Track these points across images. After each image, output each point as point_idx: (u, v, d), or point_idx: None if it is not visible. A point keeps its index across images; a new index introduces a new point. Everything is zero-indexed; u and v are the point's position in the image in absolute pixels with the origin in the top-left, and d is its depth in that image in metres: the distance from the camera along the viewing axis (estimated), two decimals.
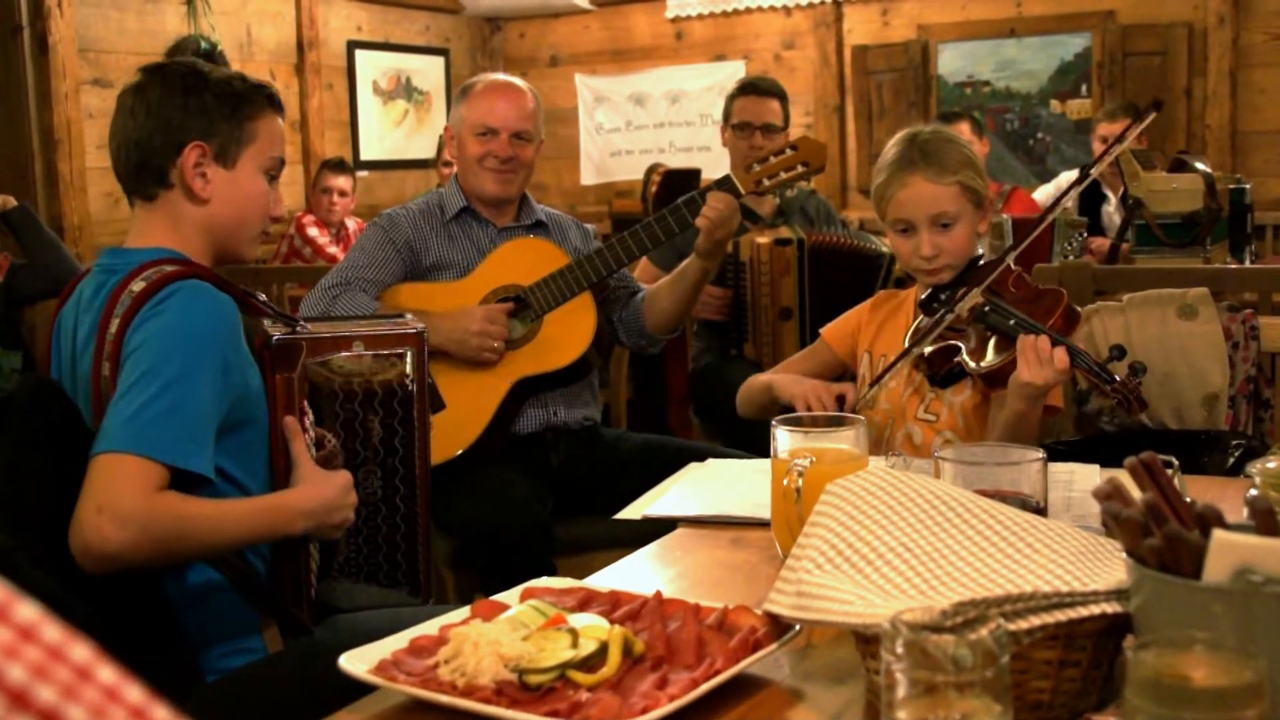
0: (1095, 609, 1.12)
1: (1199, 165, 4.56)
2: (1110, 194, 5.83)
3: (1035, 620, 1.10)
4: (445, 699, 1.21)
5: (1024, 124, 7.49)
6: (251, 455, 1.95)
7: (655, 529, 2.02)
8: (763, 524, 1.86)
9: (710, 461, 2.31)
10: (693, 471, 2.24)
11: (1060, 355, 2.19)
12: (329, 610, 2.10)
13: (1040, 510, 1.50)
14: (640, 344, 3.39)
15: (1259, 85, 6.86)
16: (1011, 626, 1.10)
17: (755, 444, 3.16)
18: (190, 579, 1.91)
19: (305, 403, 2.02)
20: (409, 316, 2.29)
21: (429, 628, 1.38)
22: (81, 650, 0.55)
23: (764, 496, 1.88)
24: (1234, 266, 4.35)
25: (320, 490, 1.91)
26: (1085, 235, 4.64)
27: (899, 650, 1.00)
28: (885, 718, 1.01)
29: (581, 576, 3.27)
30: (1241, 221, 4.75)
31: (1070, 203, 6.11)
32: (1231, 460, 2.45)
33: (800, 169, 3.16)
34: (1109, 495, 1.10)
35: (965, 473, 1.50)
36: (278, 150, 2.09)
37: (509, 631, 1.29)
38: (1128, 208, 4.60)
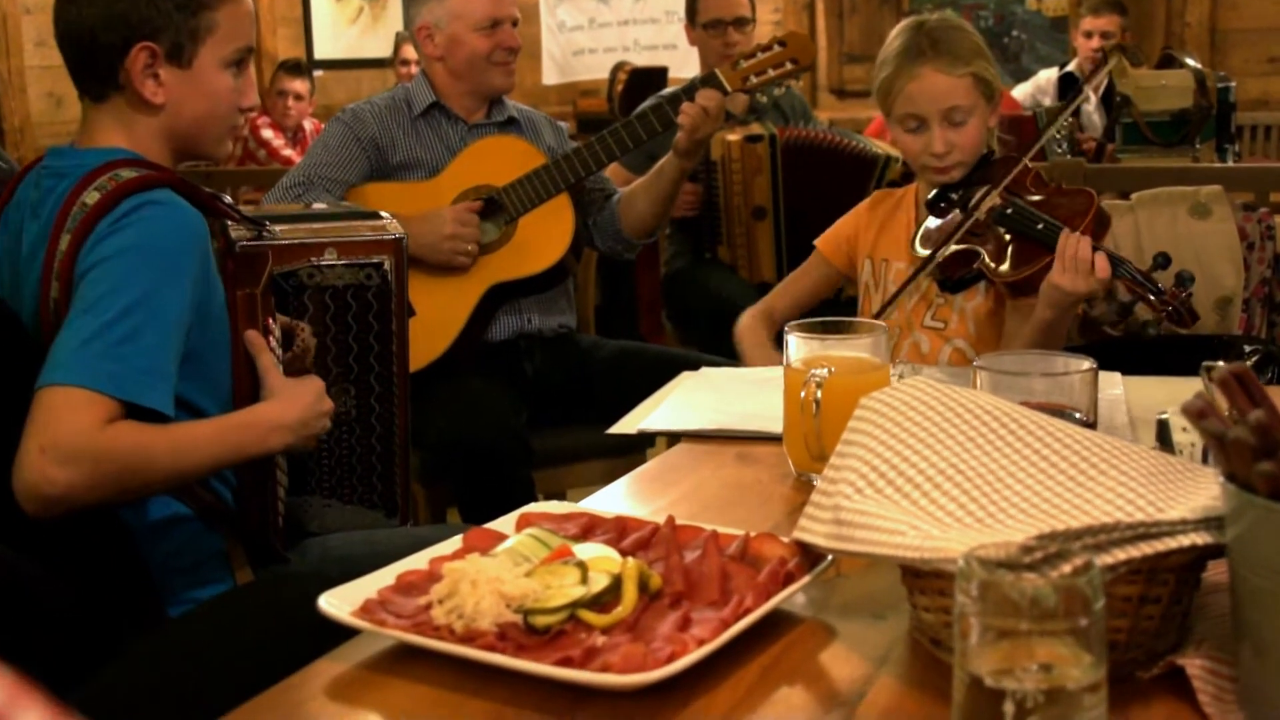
0: (1185, 540, 0.98)
1: (1189, 61, 4.41)
2: (1090, 93, 5.68)
3: (1120, 554, 0.97)
4: (441, 645, 1.07)
5: (999, 21, 7.32)
6: (213, 378, 1.78)
7: (633, 440, 1.89)
8: (771, 438, 1.72)
9: (705, 370, 2.17)
10: (688, 381, 2.09)
11: (1101, 263, 2.05)
12: (299, 532, 1.96)
13: (1090, 426, 1.37)
14: (616, 248, 3.24)
15: None
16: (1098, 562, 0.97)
17: (733, 349, 3.03)
18: (150, 510, 1.75)
19: (271, 320, 1.85)
20: (386, 217, 2.11)
21: (418, 561, 1.24)
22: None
23: (770, 409, 1.75)
24: (1237, 165, 4.23)
25: (294, 401, 1.76)
26: (1073, 119, 4.48)
27: (974, 592, 0.86)
28: (959, 669, 0.87)
29: (559, 489, 3.19)
30: (1226, 120, 4.62)
31: (1049, 100, 5.97)
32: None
33: (789, 66, 3.00)
34: (1203, 413, 0.96)
35: (1005, 383, 1.36)
36: (243, 39, 1.86)
37: (510, 567, 1.15)
38: (1114, 105, 4.45)
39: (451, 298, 2.93)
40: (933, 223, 2.39)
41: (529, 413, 2.98)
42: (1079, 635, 0.84)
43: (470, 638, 1.07)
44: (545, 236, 2.98)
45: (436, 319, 2.90)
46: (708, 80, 2.97)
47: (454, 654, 1.06)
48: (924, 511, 1.09)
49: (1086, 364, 1.39)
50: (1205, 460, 1.35)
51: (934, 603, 1.07)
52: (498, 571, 1.12)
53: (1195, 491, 1.08)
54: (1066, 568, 0.90)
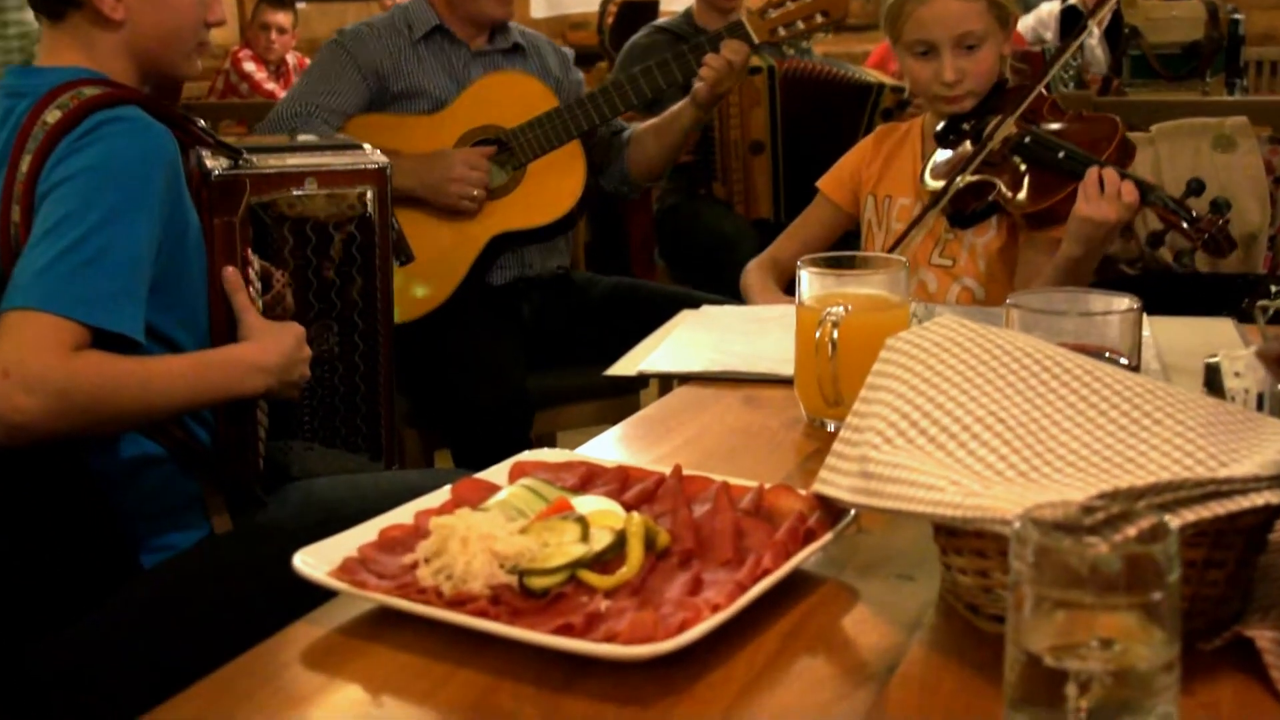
0: (1258, 499, 0.88)
1: None
2: (1094, 26, 5.54)
3: (1190, 515, 0.86)
4: (428, 610, 0.97)
5: None
6: (188, 310, 1.69)
7: (627, 381, 1.79)
8: (780, 381, 1.62)
9: (706, 309, 2.06)
10: (689, 320, 1.99)
11: (1129, 189, 1.94)
12: (280, 476, 1.86)
13: (1133, 371, 1.26)
14: (621, 189, 3.12)
15: None
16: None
17: (729, 288, 2.92)
18: (121, 451, 1.66)
19: (249, 250, 1.75)
20: (368, 148, 2.00)
21: (402, 514, 1.13)
22: None
23: (778, 349, 1.65)
24: (1255, 98, 4.11)
25: (274, 344, 1.66)
26: (1080, 60, 4.36)
27: (1030, 559, 0.76)
28: (1012, 644, 0.77)
29: (549, 431, 3.08)
30: (1236, 54, 4.51)
31: (1050, 35, 5.83)
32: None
33: (819, 19, 2.87)
34: None
35: (1040, 322, 1.26)
36: None
37: (504, 522, 1.04)
38: (1121, 38, 4.33)
39: (454, 244, 2.80)
40: (942, 155, 2.28)
41: (525, 356, 2.88)
42: (1150, 609, 0.74)
43: (460, 601, 0.97)
44: (555, 186, 2.85)
45: (438, 266, 2.77)
46: (734, 30, 2.83)
47: (442, 619, 0.96)
48: (960, 464, 0.99)
49: (1129, 302, 1.28)
50: (1260, 407, 1.25)
51: (972, 564, 0.97)
52: (490, 528, 1.02)
53: (1260, 444, 0.98)
54: (1131, 530, 0.80)
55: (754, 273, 2.44)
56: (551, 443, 3.18)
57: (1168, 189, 2.34)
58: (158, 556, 1.70)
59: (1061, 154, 2.06)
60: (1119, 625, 0.76)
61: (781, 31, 2.86)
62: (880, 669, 0.92)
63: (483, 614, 0.95)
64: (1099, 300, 1.30)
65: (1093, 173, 1.97)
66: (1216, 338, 1.80)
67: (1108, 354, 1.29)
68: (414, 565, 1.02)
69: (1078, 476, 0.95)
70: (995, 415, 1.02)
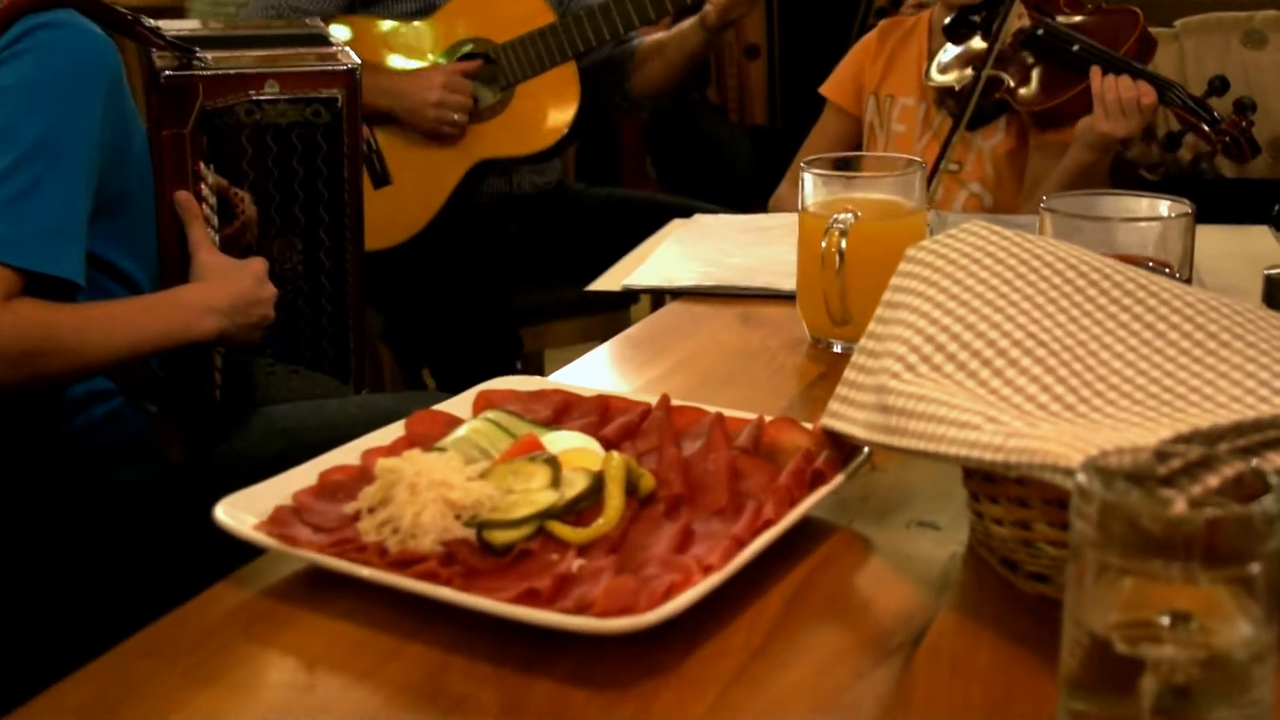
0: None
1: None
2: None
3: (1278, 459, 0.72)
4: (367, 573, 0.82)
5: None
6: (137, 234, 1.56)
7: (615, 297, 1.64)
8: (780, 297, 1.47)
9: (699, 218, 1.90)
10: (678, 230, 1.83)
11: (1146, 91, 1.79)
12: (241, 402, 1.72)
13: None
14: (622, 105, 2.92)
15: None
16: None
17: (723, 197, 2.76)
18: (71, 390, 1.52)
19: (201, 164, 1.59)
20: (336, 42, 1.82)
21: (346, 454, 0.98)
22: None
23: (778, 262, 1.51)
24: None
25: (229, 283, 1.52)
26: None
27: (1095, 518, 0.61)
28: (1071, 623, 0.63)
29: (539, 349, 2.94)
30: None
31: None
32: None
33: None
34: None
35: (1077, 229, 1.11)
36: None
37: (460, 466, 0.89)
38: None
39: (435, 168, 2.61)
40: (950, 50, 2.13)
41: (511, 273, 2.72)
42: (1246, 583, 0.60)
43: (406, 561, 0.82)
44: (545, 112, 2.63)
45: (416, 190, 2.59)
46: None
47: (383, 584, 0.81)
48: (995, 395, 0.84)
49: (1178, 205, 1.13)
50: None
51: (1010, 514, 0.82)
52: (444, 472, 0.87)
53: None
54: (1214, 480, 0.66)
55: (782, 194, 2.28)
56: (539, 362, 3.03)
57: (1193, 86, 2.18)
58: (110, 491, 1.57)
59: (1076, 47, 1.91)
60: (1201, 599, 0.62)
61: None
62: (904, 640, 0.78)
63: (432, 577, 0.80)
64: (1144, 204, 1.15)
65: (1107, 82, 1.81)
66: (1254, 247, 1.65)
67: (1151, 264, 1.15)
68: (355, 516, 0.87)
69: (1135, 410, 0.81)
70: (1035, 337, 0.87)
